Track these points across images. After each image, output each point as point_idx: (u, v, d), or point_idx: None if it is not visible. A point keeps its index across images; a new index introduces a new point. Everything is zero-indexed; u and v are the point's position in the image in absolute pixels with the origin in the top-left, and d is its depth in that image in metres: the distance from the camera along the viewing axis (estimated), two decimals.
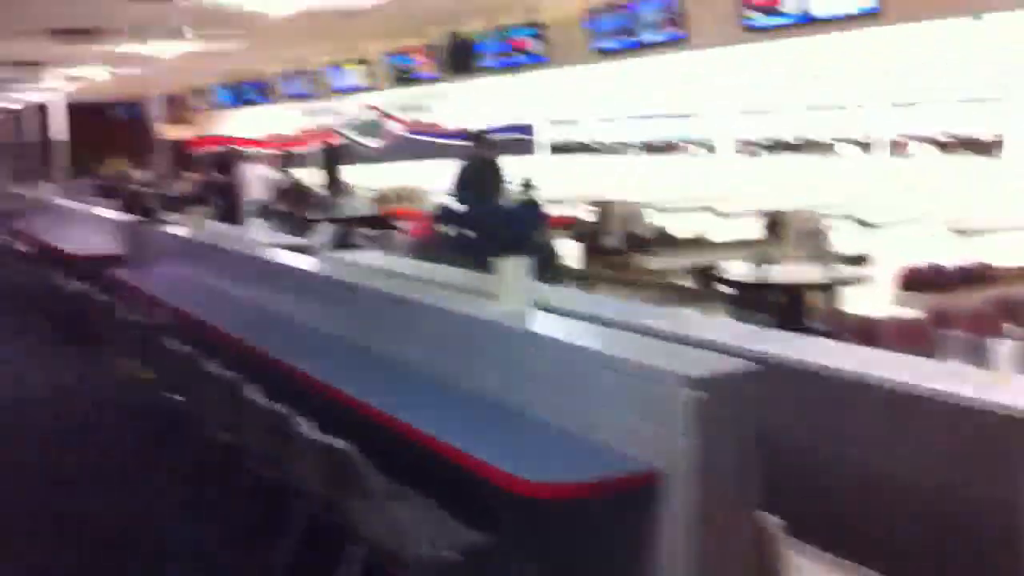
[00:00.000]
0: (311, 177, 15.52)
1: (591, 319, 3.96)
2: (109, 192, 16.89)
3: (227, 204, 14.21)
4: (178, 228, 8.14)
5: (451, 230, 11.07)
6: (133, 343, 5.76)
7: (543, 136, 21.14)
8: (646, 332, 3.76)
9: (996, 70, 11.15)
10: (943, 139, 19.51)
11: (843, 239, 7.91)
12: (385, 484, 3.28)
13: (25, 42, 13.93)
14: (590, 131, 24.48)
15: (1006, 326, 3.94)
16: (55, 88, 20.33)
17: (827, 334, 4.80)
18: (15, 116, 26.62)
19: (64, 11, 11.20)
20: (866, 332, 4.72)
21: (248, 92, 20.98)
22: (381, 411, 3.57)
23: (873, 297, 6.42)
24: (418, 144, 24.82)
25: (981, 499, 3.07)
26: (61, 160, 20.74)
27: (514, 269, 3.97)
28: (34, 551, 4.39)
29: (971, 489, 3.09)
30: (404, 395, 3.81)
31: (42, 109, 22.48)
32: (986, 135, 18.92)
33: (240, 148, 20.88)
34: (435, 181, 14.92)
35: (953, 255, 7.71)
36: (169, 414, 5.30)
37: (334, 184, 14.55)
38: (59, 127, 20.96)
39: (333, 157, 15.54)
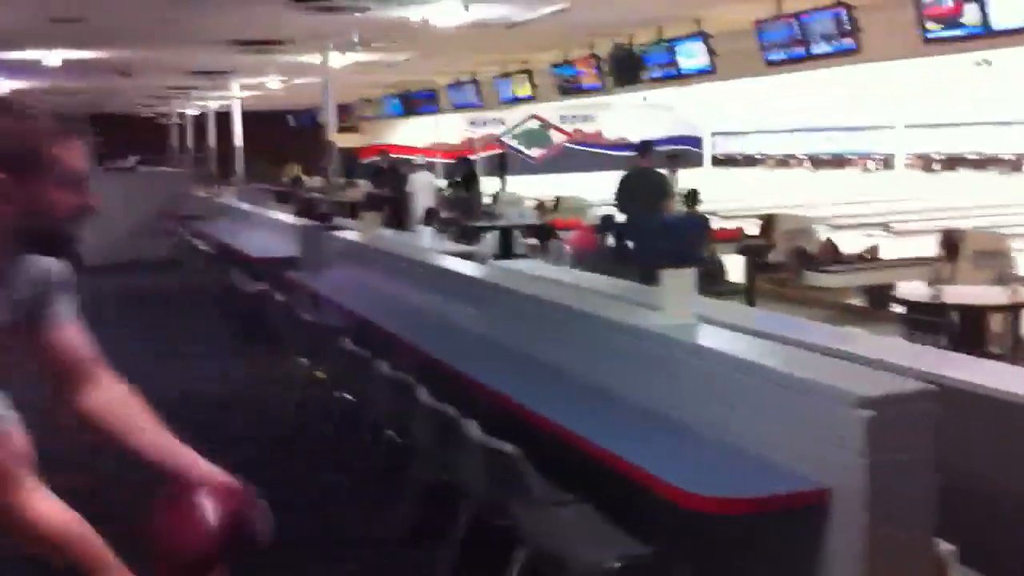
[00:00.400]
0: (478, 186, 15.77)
1: (758, 334, 3.91)
2: (284, 197, 17.61)
3: (396, 211, 14.62)
4: (350, 233, 8.42)
5: (613, 240, 11.11)
6: (308, 343, 6.00)
7: (710, 148, 20.86)
8: (815, 349, 3.70)
9: None
10: None
11: None
12: (549, 489, 3.33)
13: (207, 52, 14.67)
14: (757, 144, 24.15)
15: None
16: (234, 96, 21.31)
17: (1007, 359, 4.61)
18: (196, 123, 28.01)
19: (244, 21, 11.75)
20: None
21: (415, 102, 21.51)
22: (544, 417, 3.61)
23: None
24: (581, 155, 24.98)
25: None
26: (240, 166, 21.71)
27: (679, 281, 3.96)
28: None
29: None
30: (566, 403, 3.84)
31: (223, 116, 23.59)
32: None
33: (408, 156, 21.44)
34: (597, 192, 14.97)
35: None
36: (342, 413, 5.49)
37: (471, 194, 14.76)
38: (238, 134, 21.95)
39: (468, 169, 15.79)
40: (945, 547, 2.87)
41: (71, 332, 2.06)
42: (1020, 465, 3.30)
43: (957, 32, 8.49)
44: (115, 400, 2.10)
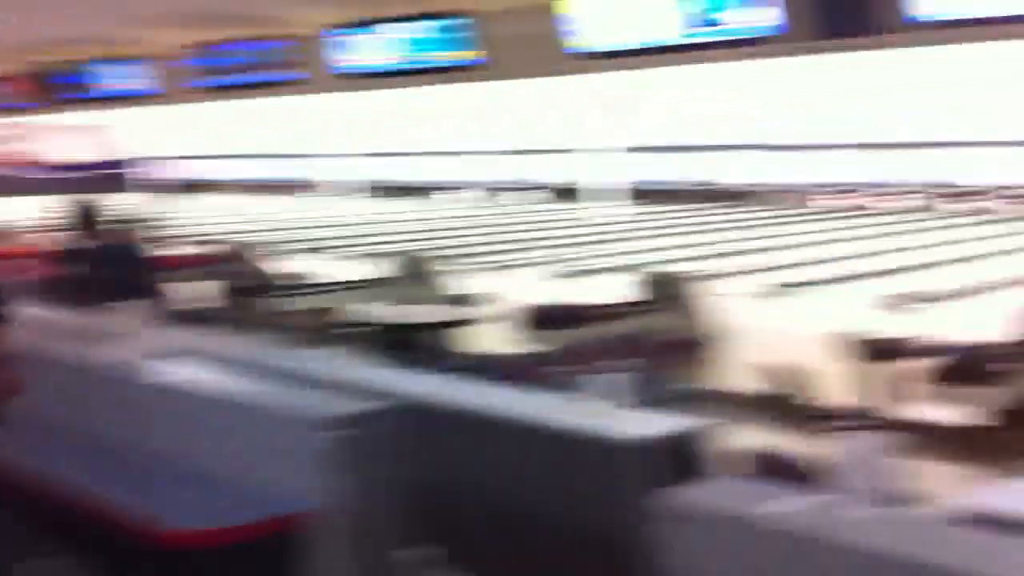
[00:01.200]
0: None
1: (219, 362, 3.88)
2: None
3: None
4: None
5: (64, 270, 10.42)
6: None
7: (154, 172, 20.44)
8: (279, 374, 3.75)
9: None
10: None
11: (457, 280, 8.32)
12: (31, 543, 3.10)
13: None
14: (214, 168, 24.10)
15: (619, 360, 4.34)
16: None
17: (453, 372, 5.03)
18: None
19: None
20: (492, 369, 5.00)
21: None
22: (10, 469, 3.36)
23: (498, 336, 6.74)
24: (16, 177, 23.03)
25: (595, 523, 3.37)
26: None
27: (128, 312, 3.87)
28: None
29: (589, 514, 3.36)
30: (36, 452, 3.57)
31: None
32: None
33: None
34: (42, 217, 14.00)
35: (574, 295, 8.41)
36: None
37: None
38: None
39: None
40: (421, 554, 3.06)
41: None
42: (477, 469, 3.61)
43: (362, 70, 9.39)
44: None
